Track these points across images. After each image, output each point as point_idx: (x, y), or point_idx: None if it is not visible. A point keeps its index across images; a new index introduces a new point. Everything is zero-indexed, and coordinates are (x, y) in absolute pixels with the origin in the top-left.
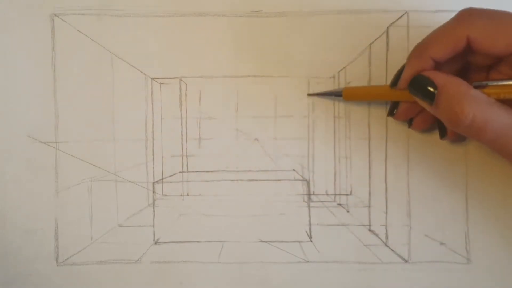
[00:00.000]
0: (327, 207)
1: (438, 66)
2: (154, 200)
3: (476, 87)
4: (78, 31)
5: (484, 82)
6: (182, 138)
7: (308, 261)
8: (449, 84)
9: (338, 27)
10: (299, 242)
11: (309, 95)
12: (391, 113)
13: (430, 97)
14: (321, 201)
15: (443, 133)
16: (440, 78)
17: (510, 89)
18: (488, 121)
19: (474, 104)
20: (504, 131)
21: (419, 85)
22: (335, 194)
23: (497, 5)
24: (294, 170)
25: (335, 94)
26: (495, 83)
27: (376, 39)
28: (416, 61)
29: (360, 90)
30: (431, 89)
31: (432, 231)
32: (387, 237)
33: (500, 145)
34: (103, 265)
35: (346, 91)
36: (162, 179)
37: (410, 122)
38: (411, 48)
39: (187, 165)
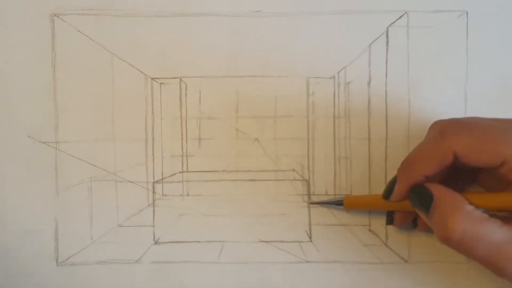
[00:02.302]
0: (327, 207)
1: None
2: (154, 200)
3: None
4: (78, 31)
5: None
6: (182, 138)
7: (308, 261)
8: (445, 197)
9: (338, 27)
10: (299, 242)
11: (311, 203)
12: (389, 222)
13: (426, 207)
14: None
15: (391, 220)
16: (437, 189)
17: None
18: (478, 239)
19: (466, 220)
20: (494, 249)
21: (416, 194)
22: (335, 194)
23: (497, 5)
24: (294, 170)
25: (336, 204)
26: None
27: (376, 39)
28: (406, 177)
29: (358, 199)
30: (427, 199)
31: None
32: (387, 237)
33: (490, 264)
34: (103, 265)
35: (347, 200)
36: (162, 179)
37: (390, 219)
38: (411, 48)
39: (187, 165)
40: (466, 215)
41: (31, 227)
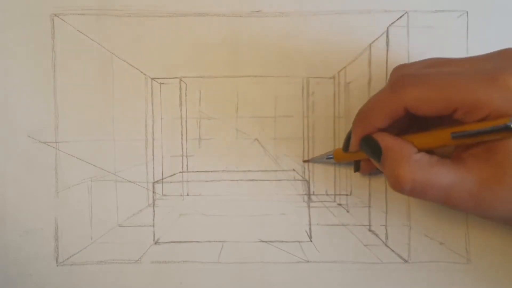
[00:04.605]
0: (327, 207)
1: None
2: (154, 200)
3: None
4: (78, 31)
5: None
6: (182, 138)
7: (308, 261)
8: (392, 146)
9: (338, 27)
10: (299, 242)
11: (304, 161)
12: (356, 170)
13: (378, 156)
14: (321, 201)
15: (357, 167)
16: (385, 140)
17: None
18: (428, 185)
19: (414, 168)
20: (444, 192)
21: (367, 145)
22: (335, 194)
23: (497, 5)
24: (294, 170)
25: (327, 158)
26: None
27: (376, 39)
28: (360, 129)
29: (341, 153)
30: (377, 149)
31: (432, 231)
32: (387, 237)
33: (443, 204)
34: (103, 265)
35: (336, 152)
36: (162, 179)
37: (357, 167)
38: (411, 48)
39: (187, 165)
40: (414, 163)
41: (31, 227)
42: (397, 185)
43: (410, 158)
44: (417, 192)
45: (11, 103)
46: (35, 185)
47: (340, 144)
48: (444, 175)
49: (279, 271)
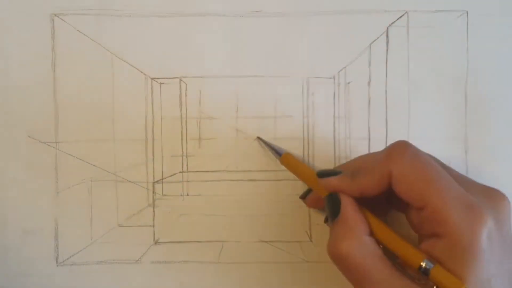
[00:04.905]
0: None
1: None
2: (154, 200)
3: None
4: (78, 31)
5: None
6: (182, 138)
7: (308, 261)
8: (350, 217)
9: (338, 27)
10: (299, 242)
11: (258, 138)
12: (303, 197)
13: (331, 217)
14: None
15: (305, 195)
16: (346, 207)
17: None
18: (363, 270)
19: (358, 246)
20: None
21: (330, 202)
22: None
23: (497, 5)
24: None
25: (277, 152)
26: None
27: (376, 39)
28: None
29: (294, 163)
30: (336, 211)
31: None
32: None
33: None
34: (103, 265)
35: (284, 156)
36: (162, 179)
37: (305, 195)
38: (411, 48)
39: (187, 165)
40: (361, 243)
41: (31, 227)
42: (334, 251)
43: (360, 236)
44: (345, 266)
45: (11, 103)
46: (35, 185)
47: (340, 144)
48: (377, 271)
49: (279, 271)
